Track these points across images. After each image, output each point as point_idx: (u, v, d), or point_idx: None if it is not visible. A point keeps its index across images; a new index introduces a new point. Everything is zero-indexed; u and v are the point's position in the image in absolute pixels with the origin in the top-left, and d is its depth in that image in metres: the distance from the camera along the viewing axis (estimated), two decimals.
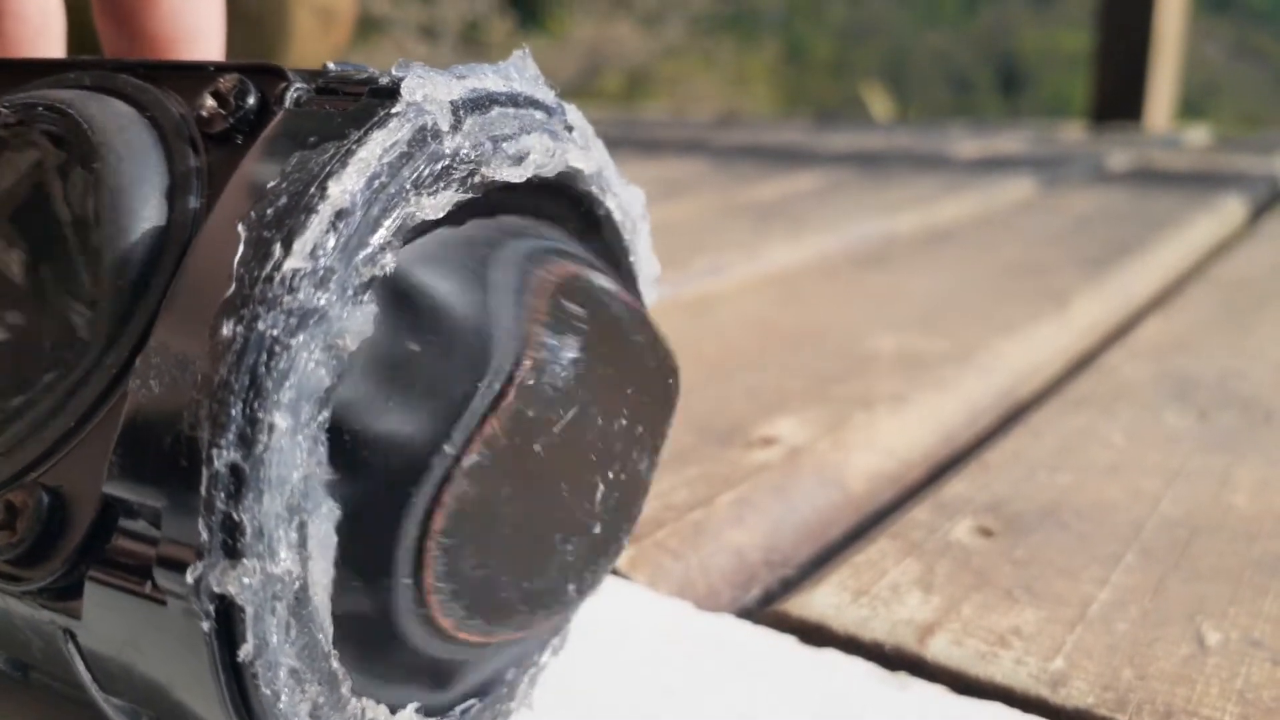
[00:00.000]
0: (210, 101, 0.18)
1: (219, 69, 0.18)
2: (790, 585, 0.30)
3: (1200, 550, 0.31)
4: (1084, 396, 0.45)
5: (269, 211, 0.15)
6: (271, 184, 0.16)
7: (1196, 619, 0.27)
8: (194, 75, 0.19)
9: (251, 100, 0.18)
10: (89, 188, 0.18)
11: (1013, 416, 0.45)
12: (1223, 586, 0.29)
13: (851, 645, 0.26)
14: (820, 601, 0.28)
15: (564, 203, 0.21)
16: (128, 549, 0.15)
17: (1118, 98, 1.98)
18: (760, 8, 5.22)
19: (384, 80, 0.17)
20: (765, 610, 0.28)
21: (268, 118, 0.18)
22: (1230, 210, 0.97)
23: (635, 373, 0.21)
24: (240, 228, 0.15)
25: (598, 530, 0.21)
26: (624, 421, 0.20)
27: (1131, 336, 0.56)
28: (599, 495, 0.20)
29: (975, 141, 1.58)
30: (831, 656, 0.26)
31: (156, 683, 0.16)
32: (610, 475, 0.20)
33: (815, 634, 0.27)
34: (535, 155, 0.18)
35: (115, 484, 0.15)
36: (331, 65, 0.18)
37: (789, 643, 0.26)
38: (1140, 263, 0.73)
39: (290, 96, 0.17)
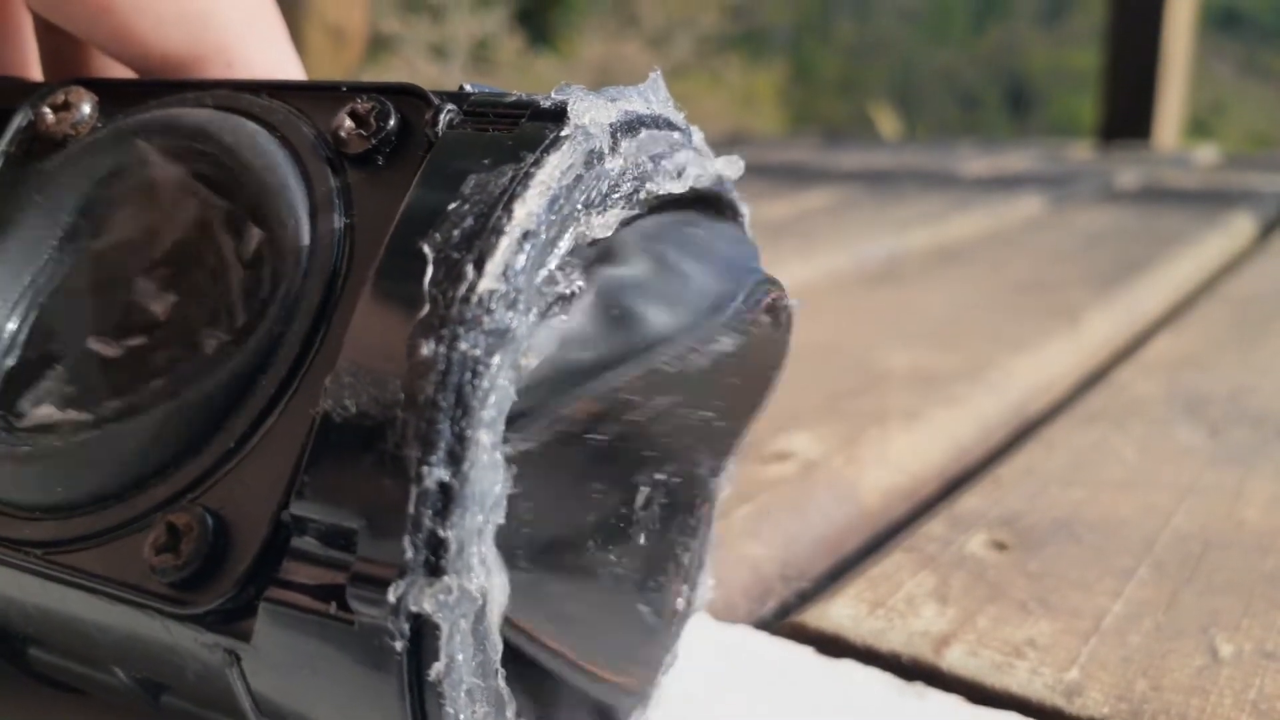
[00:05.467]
0: (348, 122, 0.18)
1: (352, 89, 0.19)
2: (806, 598, 0.31)
3: (1213, 564, 0.31)
4: (1095, 412, 0.46)
5: (455, 233, 0.15)
6: (452, 206, 0.16)
7: (1210, 631, 0.27)
8: (324, 96, 0.19)
9: (392, 122, 0.18)
10: (230, 207, 0.18)
11: (1024, 432, 0.45)
12: (1235, 600, 0.29)
13: (869, 656, 0.26)
14: (837, 613, 0.28)
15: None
16: (309, 570, 0.15)
17: (1126, 116, 1.99)
18: (768, 27, 5.24)
19: (546, 104, 0.17)
20: (782, 622, 0.28)
21: (412, 140, 0.18)
22: (1240, 227, 0.97)
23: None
24: (426, 248, 0.15)
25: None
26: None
27: (1142, 353, 0.56)
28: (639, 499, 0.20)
29: (984, 160, 1.59)
30: (849, 667, 0.26)
31: (326, 704, 0.16)
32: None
33: (832, 645, 0.27)
34: (692, 169, 0.19)
35: (305, 504, 0.15)
36: (469, 87, 0.18)
37: (807, 653, 0.26)
38: (1150, 280, 0.74)
39: (443, 120, 0.17)
